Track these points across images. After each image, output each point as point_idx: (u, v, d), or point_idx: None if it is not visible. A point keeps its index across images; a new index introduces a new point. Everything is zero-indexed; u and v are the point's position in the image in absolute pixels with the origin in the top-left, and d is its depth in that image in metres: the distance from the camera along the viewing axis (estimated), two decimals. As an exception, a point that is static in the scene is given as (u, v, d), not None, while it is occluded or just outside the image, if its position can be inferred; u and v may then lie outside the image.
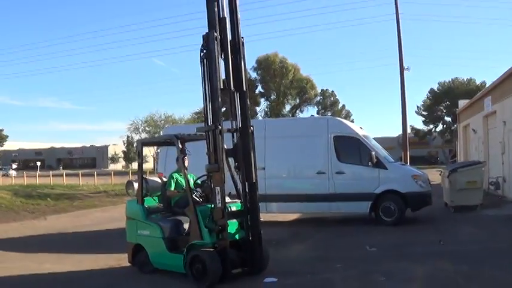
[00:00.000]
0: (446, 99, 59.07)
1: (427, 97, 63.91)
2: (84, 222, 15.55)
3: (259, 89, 54.92)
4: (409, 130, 30.04)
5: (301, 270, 7.26)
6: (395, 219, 11.42)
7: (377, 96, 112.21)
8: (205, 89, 6.68)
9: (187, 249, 6.66)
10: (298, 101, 56.93)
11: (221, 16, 6.78)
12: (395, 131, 68.51)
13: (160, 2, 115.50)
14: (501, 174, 16.46)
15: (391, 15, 23.42)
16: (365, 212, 11.77)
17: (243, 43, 6.90)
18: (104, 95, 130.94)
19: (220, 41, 6.68)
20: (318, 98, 62.35)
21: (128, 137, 71.17)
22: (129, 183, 8.08)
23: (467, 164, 14.67)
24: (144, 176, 7.87)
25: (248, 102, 7.03)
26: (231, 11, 6.90)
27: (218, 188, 6.47)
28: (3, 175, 44.45)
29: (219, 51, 6.65)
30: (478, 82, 58.42)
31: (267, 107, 55.40)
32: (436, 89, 62.73)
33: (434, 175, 17.67)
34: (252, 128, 6.83)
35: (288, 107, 56.75)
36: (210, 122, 6.63)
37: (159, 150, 17.28)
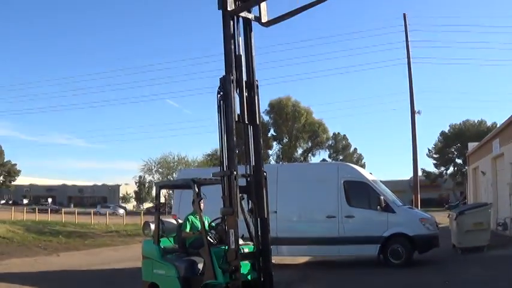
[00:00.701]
0: (458, 142, 59.02)
1: (438, 140, 64.01)
2: (97, 260, 15.74)
3: (271, 132, 54.94)
4: (420, 173, 30.21)
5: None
6: (403, 261, 11.55)
7: (388, 140, 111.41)
8: (221, 129, 6.85)
9: (201, 288, 6.86)
10: (310, 144, 56.76)
11: (237, 53, 6.97)
12: (407, 174, 68.08)
13: (174, 45, 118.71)
14: (509, 215, 16.54)
15: (402, 59, 24.04)
16: (374, 254, 11.93)
17: (257, 86, 7.16)
18: (116, 134, 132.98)
19: (237, 80, 6.89)
20: (330, 142, 62.44)
21: (140, 177, 70.41)
22: (146, 224, 8.34)
23: (475, 206, 14.85)
24: (160, 217, 8.18)
25: (261, 139, 7.22)
26: (246, 51, 7.13)
27: (232, 230, 6.65)
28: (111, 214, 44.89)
29: (235, 89, 6.86)
30: (489, 123, 58.13)
31: (279, 150, 55.26)
32: (447, 132, 62.82)
33: (443, 218, 17.73)
34: (265, 173, 7.05)
35: (300, 151, 56.58)
36: (225, 167, 6.85)
37: (171, 192, 17.55)
